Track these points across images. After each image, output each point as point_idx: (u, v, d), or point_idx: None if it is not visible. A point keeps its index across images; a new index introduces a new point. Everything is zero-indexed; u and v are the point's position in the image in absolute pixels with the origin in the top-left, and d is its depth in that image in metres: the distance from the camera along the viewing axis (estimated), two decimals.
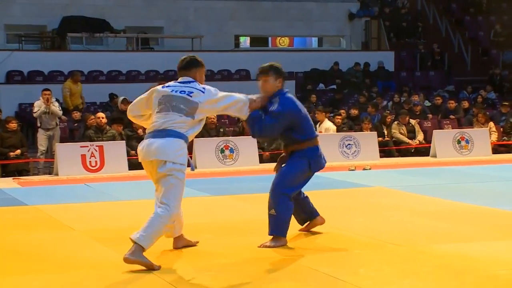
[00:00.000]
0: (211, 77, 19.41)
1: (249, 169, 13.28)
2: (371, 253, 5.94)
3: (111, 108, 16.51)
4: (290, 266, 5.55)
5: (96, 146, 13.11)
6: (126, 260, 5.37)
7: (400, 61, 23.74)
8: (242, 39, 24.99)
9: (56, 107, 13.79)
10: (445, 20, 25.36)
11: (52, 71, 19.67)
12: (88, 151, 13.04)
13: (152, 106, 5.79)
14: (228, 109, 5.93)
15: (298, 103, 6.31)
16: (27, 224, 7.63)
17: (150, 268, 5.39)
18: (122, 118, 13.69)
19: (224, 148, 13.91)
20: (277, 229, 6.16)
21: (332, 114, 16.43)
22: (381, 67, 22.71)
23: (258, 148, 14.25)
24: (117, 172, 12.92)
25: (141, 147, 5.71)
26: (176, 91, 5.72)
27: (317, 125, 14.74)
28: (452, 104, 18.01)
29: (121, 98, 15.28)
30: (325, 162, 6.42)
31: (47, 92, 13.70)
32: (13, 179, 12.56)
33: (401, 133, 15.82)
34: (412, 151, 15.74)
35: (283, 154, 6.45)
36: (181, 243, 6.15)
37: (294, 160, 6.26)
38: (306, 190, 6.53)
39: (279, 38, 25.33)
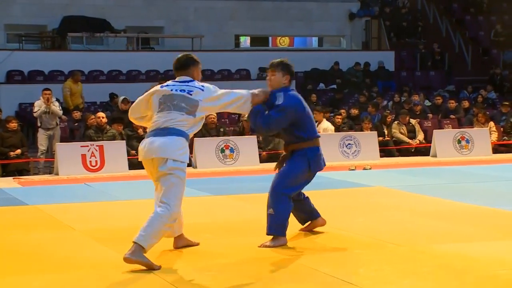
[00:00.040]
0: (211, 77, 19.42)
1: (249, 169, 13.26)
2: (371, 253, 5.93)
3: (111, 108, 16.51)
4: (290, 266, 5.54)
5: (96, 145, 13.11)
6: (126, 260, 5.36)
7: (401, 61, 23.72)
8: (242, 39, 24.98)
9: (56, 107, 13.78)
10: (446, 20, 25.35)
11: (53, 71, 19.67)
12: (88, 150, 13.04)
13: (152, 106, 5.80)
14: (229, 106, 5.93)
15: (303, 100, 6.32)
16: (27, 223, 7.63)
17: (150, 268, 5.39)
18: (122, 118, 13.69)
19: (224, 148, 13.91)
20: (275, 229, 6.14)
21: (332, 114, 16.43)
22: (382, 67, 22.71)
23: (259, 148, 14.24)
24: (117, 171, 12.91)
25: (142, 145, 5.71)
26: (176, 90, 5.73)
27: (316, 125, 14.69)
28: (452, 104, 18.00)
29: (121, 98, 15.28)
30: (324, 164, 6.41)
31: (48, 92, 13.70)
32: (14, 178, 12.56)
33: (401, 133, 15.81)
34: (412, 150, 15.73)
35: (284, 153, 6.44)
36: (181, 243, 6.14)
37: (295, 160, 6.25)
38: (306, 190, 6.52)
39: (279, 38, 25.33)
